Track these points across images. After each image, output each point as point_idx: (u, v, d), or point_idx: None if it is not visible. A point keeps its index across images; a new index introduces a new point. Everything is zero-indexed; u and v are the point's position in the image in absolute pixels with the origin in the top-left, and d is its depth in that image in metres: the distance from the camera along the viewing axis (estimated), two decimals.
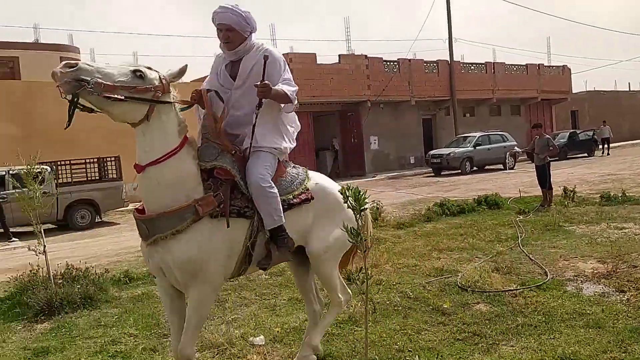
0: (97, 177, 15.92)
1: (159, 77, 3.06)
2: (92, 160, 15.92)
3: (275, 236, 3.33)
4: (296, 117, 3.71)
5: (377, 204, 10.13)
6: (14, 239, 12.63)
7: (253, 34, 3.47)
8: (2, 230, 12.91)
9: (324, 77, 24.27)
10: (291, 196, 3.46)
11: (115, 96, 2.81)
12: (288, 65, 3.61)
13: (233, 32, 3.36)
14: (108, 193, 14.84)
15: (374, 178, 23.95)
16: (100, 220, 15.29)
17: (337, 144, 26.87)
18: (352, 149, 26.42)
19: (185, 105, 3.28)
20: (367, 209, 3.45)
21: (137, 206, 3.33)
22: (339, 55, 25.54)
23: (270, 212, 3.27)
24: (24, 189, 6.11)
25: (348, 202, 2.88)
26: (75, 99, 2.78)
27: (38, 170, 6.28)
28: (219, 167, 3.22)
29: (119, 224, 15.23)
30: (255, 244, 3.33)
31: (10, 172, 12.55)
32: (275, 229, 3.30)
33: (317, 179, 3.74)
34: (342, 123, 26.77)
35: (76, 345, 4.69)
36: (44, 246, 6.05)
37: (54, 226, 14.31)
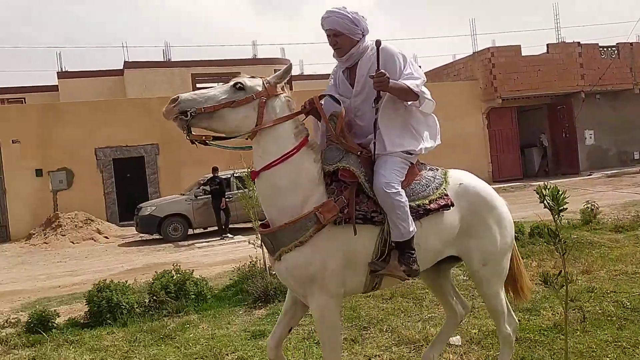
0: None
1: (262, 83, 2.99)
2: None
3: (402, 250, 2.96)
4: (433, 117, 3.30)
5: (591, 205, 9.28)
6: (229, 235, 14.33)
7: (366, 36, 3.19)
8: (223, 226, 14.70)
9: (530, 69, 22.81)
10: (427, 201, 3.06)
11: (219, 130, 2.90)
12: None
13: (341, 36, 3.12)
14: None
15: (589, 176, 21.81)
16: None
17: (545, 140, 25.02)
18: (563, 144, 24.38)
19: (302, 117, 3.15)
20: (566, 208, 2.76)
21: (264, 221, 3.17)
22: (547, 45, 23.76)
23: (396, 223, 2.91)
24: (245, 190, 6.93)
25: (545, 202, 2.74)
26: (189, 132, 2.84)
27: None
28: (342, 167, 2.96)
29: None
30: (388, 253, 2.99)
31: (235, 174, 14.23)
32: (404, 243, 2.94)
33: (460, 178, 3.31)
34: (551, 117, 24.86)
35: None
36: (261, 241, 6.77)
37: None
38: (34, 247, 16.20)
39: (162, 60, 29.66)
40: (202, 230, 15.78)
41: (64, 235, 16.48)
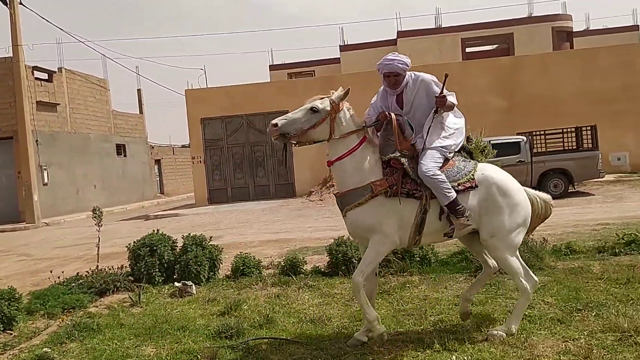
0: (574, 147, 15.83)
1: (329, 102, 4.24)
2: (569, 130, 15.88)
3: (452, 209, 4.16)
4: (457, 116, 4.54)
5: None
6: None
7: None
8: None
9: None
10: (456, 184, 4.21)
11: (306, 141, 4.34)
12: None
13: (399, 76, 4.39)
14: (582, 163, 14.57)
15: None
16: (573, 190, 15.18)
17: None
18: None
19: (375, 123, 4.44)
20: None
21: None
22: None
23: (442, 192, 4.14)
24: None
25: None
26: (285, 148, 4.50)
27: (484, 144, 6.98)
28: (393, 158, 4.26)
29: (593, 194, 14.76)
30: (425, 219, 4.22)
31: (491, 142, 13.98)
32: (451, 203, 4.13)
33: (485, 169, 4.38)
34: None
35: None
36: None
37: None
38: (311, 202, 18.59)
39: (433, 27, 30.04)
40: None
41: None
